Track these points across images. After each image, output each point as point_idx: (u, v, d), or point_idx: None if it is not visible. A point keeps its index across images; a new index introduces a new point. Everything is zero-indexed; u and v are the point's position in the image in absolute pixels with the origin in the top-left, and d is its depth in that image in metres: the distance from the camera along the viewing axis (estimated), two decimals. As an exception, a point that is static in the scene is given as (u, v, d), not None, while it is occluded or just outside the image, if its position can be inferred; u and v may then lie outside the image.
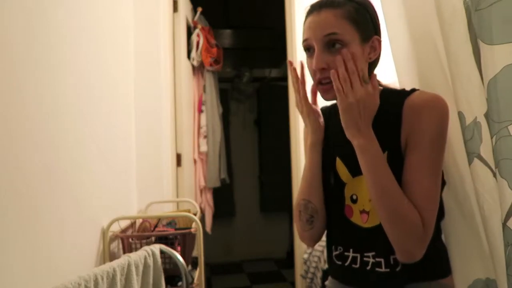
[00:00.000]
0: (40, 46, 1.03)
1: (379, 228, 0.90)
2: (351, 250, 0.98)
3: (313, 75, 0.96)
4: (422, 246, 0.87)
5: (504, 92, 0.80)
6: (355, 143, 0.90)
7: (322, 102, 1.16)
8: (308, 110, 1.01)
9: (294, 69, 1.00)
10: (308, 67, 0.97)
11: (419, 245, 0.86)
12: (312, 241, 1.05)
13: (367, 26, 0.94)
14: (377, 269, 0.93)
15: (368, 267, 0.94)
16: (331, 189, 1.01)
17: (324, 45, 0.92)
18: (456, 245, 0.98)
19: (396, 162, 0.90)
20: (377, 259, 0.93)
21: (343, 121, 0.91)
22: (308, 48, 0.96)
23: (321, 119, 1.03)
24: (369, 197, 0.92)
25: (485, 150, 0.89)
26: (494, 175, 0.85)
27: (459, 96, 0.93)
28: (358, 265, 0.96)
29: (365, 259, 0.95)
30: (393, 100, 0.94)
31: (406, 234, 0.86)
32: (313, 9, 0.95)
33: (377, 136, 0.92)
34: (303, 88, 1.00)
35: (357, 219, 0.96)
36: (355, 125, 0.88)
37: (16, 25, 0.92)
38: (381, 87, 1.00)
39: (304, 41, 0.96)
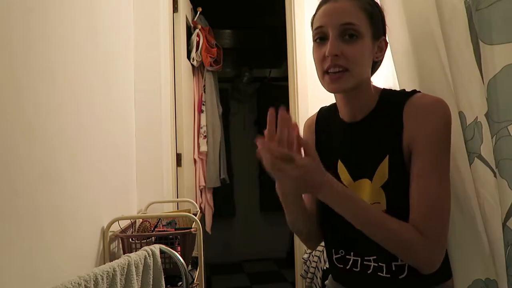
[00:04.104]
0: (40, 46, 1.03)
1: None
2: (352, 253, 0.97)
3: (320, 62, 0.90)
4: (429, 255, 0.84)
5: (504, 92, 0.80)
6: (320, 197, 0.85)
7: (319, 102, 1.16)
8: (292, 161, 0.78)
9: (274, 114, 0.78)
10: (315, 55, 0.93)
11: (423, 256, 0.84)
12: (310, 247, 1.13)
13: (379, 24, 0.93)
14: (379, 273, 0.92)
15: (369, 271, 0.94)
16: None
17: (339, 33, 0.88)
18: (455, 246, 0.98)
19: (397, 166, 0.89)
20: (380, 264, 0.92)
21: (300, 191, 0.91)
22: (320, 37, 0.91)
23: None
24: (370, 202, 0.91)
25: (486, 150, 0.89)
26: (495, 175, 0.85)
27: (460, 96, 0.92)
28: (358, 269, 0.95)
29: (365, 263, 0.94)
30: (393, 102, 0.93)
31: (404, 252, 0.85)
32: None
33: (378, 138, 0.91)
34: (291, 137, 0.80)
35: None
36: (311, 188, 0.82)
37: (16, 25, 0.92)
38: (380, 88, 0.99)
39: (317, 28, 0.91)
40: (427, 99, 0.89)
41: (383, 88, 0.99)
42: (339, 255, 1.00)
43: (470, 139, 0.92)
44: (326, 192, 0.83)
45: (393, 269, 0.91)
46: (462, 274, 0.96)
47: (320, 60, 0.91)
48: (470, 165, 0.92)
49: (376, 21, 0.92)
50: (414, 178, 0.87)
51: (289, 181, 0.82)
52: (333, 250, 1.02)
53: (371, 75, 1.00)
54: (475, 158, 0.90)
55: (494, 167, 0.84)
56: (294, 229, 1.04)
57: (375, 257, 0.93)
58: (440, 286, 0.94)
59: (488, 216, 0.89)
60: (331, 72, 0.89)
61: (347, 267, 0.98)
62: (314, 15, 0.95)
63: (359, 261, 0.95)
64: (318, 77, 0.94)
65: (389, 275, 0.91)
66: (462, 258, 0.97)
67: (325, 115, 1.08)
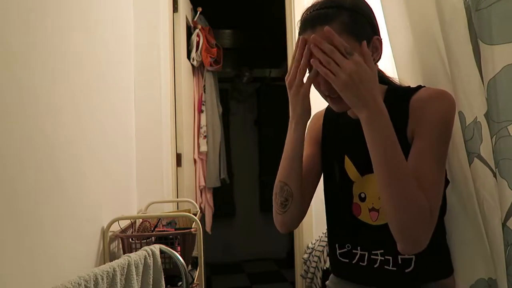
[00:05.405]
0: (40, 46, 1.03)
1: (388, 226, 0.88)
2: (359, 248, 0.98)
3: (320, 91, 0.93)
4: (429, 233, 0.81)
5: (503, 92, 0.80)
6: (361, 117, 0.83)
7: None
8: (306, 91, 0.90)
9: (304, 46, 0.87)
10: (313, 84, 0.93)
11: (426, 232, 0.81)
12: (283, 226, 1.01)
13: (365, 31, 0.89)
14: (385, 267, 0.94)
15: (376, 265, 0.95)
16: (338, 187, 1.01)
17: None
18: (459, 244, 0.98)
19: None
20: (387, 257, 0.93)
21: (347, 101, 0.83)
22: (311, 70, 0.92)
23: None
24: (378, 192, 0.89)
25: (485, 150, 0.89)
26: (494, 175, 0.85)
27: (459, 96, 0.93)
28: (365, 263, 0.96)
29: (373, 257, 0.95)
30: (399, 98, 0.94)
31: (415, 218, 0.79)
32: (306, 27, 0.89)
33: None
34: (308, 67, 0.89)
35: (366, 217, 0.96)
36: (359, 100, 0.81)
37: (16, 25, 0.92)
38: (386, 85, 0.99)
39: None
40: (431, 90, 0.92)
41: (387, 87, 0.99)
42: (345, 250, 1.00)
43: (470, 139, 0.92)
44: (374, 109, 0.80)
45: (399, 262, 0.92)
46: (465, 273, 0.97)
47: (318, 89, 0.92)
48: (469, 165, 0.92)
49: (361, 31, 0.88)
50: (413, 157, 0.86)
51: (341, 81, 0.80)
52: (337, 245, 1.03)
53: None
54: (475, 158, 0.91)
55: (493, 167, 0.85)
56: (283, 193, 0.98)
57: (382, 251, 0.94)
58: (439, 284, 0.94)
59: (487, 216, 0.89)
60: (333, 96, 0.90)
61: (353, 262, 0.98)
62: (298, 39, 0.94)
63: (366, 255, 0.96)
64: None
65: (395, 268, 0.92)
66: (465, 256, 0.97)
67: (333, 111, 1.08)
